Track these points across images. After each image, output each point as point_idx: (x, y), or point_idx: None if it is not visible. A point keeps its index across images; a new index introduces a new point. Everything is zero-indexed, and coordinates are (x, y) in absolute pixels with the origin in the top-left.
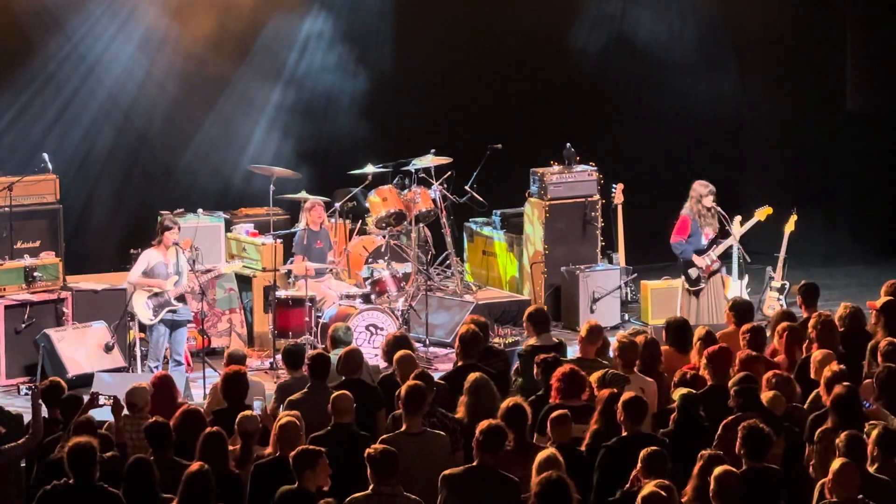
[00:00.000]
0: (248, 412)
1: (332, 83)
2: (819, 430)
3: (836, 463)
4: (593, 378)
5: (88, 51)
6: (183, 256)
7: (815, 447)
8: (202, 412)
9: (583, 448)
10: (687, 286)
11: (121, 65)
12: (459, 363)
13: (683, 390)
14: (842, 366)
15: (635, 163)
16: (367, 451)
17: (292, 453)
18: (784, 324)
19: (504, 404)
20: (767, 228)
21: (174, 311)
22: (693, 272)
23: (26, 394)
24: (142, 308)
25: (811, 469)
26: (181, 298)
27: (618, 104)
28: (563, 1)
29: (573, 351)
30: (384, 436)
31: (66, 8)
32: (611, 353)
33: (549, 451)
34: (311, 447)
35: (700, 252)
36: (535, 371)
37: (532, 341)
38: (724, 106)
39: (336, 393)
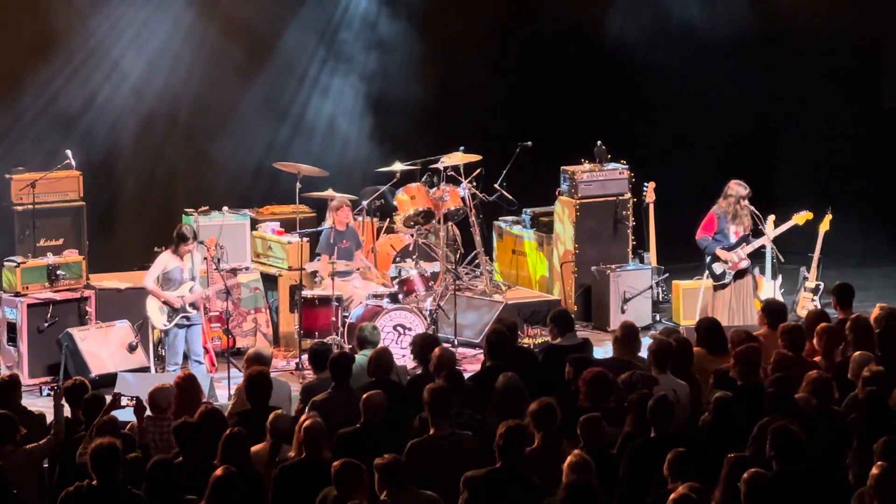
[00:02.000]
0: (280, 411)
1: (360, 79)
2: (856, 435)
3: (876, 468)
4: (620, 380)
5: (113, 46)
6: (199, 260)
7: (853, 453)
8: (222, 412)
9: (614, 451)
10: (711, 282)
11: (146, 60)
12: (487, 364)
13: (719, 392)
14: (880, 367)
15: (667, 161)
16: (376, 461)
17: (334, 465)
18: (822, 325)
19: (535, 404)
20: (802, 228)
21: (188, 318)
22: (717, 267)
23: (49, 394)
24: (156, 313)
25: (850, 474)
26: (195, 305)
27: (650, 102)
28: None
29: (602, 351)
30: (413, 440)
31: (91, 3)
32: (642, 354)
33: (579, 453)
34: (353, 461)
35: (728, 249)
36: (566, 371)
37: (556, 341)
38: (758, 104)
39: (369, 392)
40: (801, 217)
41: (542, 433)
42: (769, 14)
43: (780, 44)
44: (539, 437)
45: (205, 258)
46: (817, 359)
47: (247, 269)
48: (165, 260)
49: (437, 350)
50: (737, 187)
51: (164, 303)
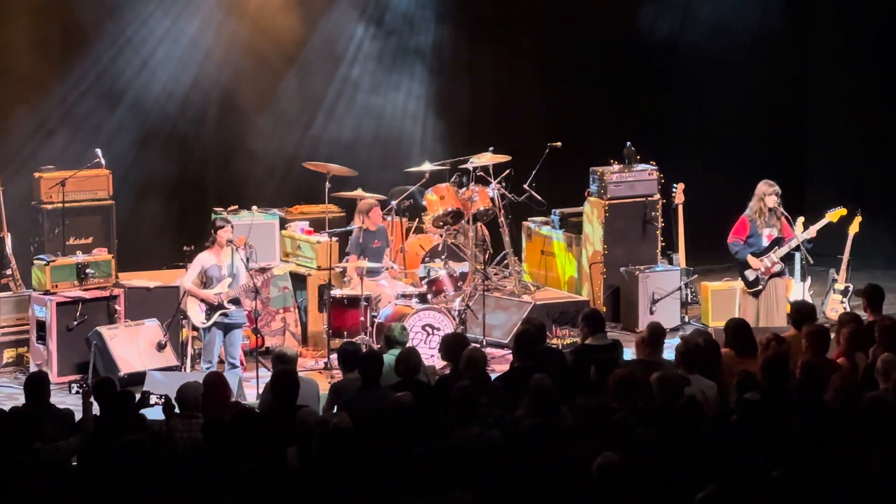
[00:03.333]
0: (309, 408)
1: (389, 80)
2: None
3: None
4: (652, 379)
5: (142, 44)
6: (238, 257)
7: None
8: (256, 412)
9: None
10: (744, 287)
11: (175, 58)
12: (515, 364)
13: (747, 394)
14: None
15: (696, 162)
16: (412, 457)
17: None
18: (848, 327)
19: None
20: (831, 230)
21: (226, 315)
22: (750, 274)
23: (78, 392)
24: (194, 311)
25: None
26: (236, 301)
27: (679, 102)
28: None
29: (631, 352)
30: (439, 437)
31: (120, 0)
32: (667, 355)
33: (608, 455)
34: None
35: (758, 254)
36: (591, 371)
37: (587, 341)
38: (787, 104)
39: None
40: (835, 214)
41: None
42: (801, 13)
43: (810, 44)
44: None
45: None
46: (842, 360)
47: (282, 261)
48: (203, 259)
49: (467, 350)
50: (763, 187)
51: (202, 300)
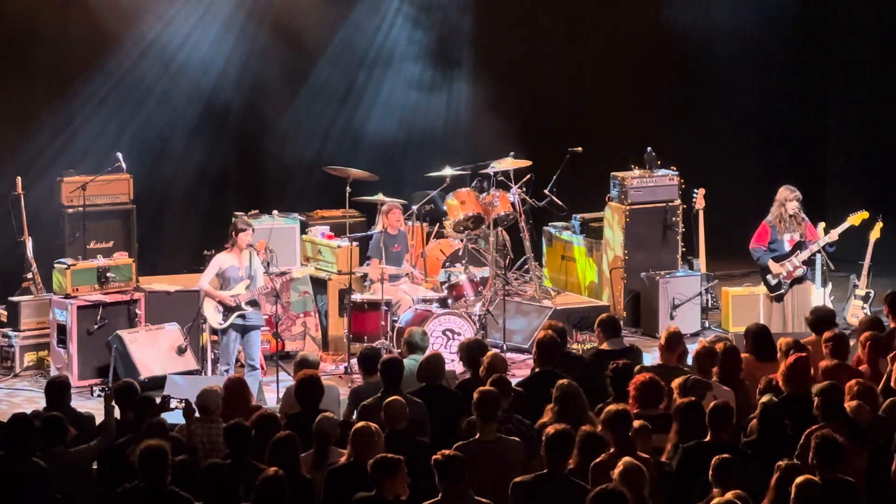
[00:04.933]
0: (327, 413)
1: (411, 85)
2: None
3: None
4: (674, 384)
5: (164, 48)
6: (257, 259)
7: None
8: (278, 416)
9: (664, 459)
10: (768, 292)
11: (196, 62)
12: (537, 369)
13: (766, 399)
14: None
15: (717, 167)
16: (434, 456)
17: (371, 460)
18: (867, 333)
19: (610, 408)
20: (852, 236)
21: (243, 317)
22: (771, 279)
23: (99, 395)
24: (212, 312)
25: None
26: (253, 303)
27: (700, 108)
28: (644, 6)
29: (651, 357)
30: (459, 443)
31: (141, 5)
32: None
33: (629, 460)
34: (391, 455)
35: (779, 259)
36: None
37: (603, 346)
38: (808, 109)
39: (388, 399)
40: (857, 217)
41: (616, 439)
42: (820, 16)
43: (829, 47)
44: (613, 443)
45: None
46: (863, 368)
47: (302, 265)
48: (221, 260)
49: (488, 355)
50: (785, 192)
51: (219, 302)
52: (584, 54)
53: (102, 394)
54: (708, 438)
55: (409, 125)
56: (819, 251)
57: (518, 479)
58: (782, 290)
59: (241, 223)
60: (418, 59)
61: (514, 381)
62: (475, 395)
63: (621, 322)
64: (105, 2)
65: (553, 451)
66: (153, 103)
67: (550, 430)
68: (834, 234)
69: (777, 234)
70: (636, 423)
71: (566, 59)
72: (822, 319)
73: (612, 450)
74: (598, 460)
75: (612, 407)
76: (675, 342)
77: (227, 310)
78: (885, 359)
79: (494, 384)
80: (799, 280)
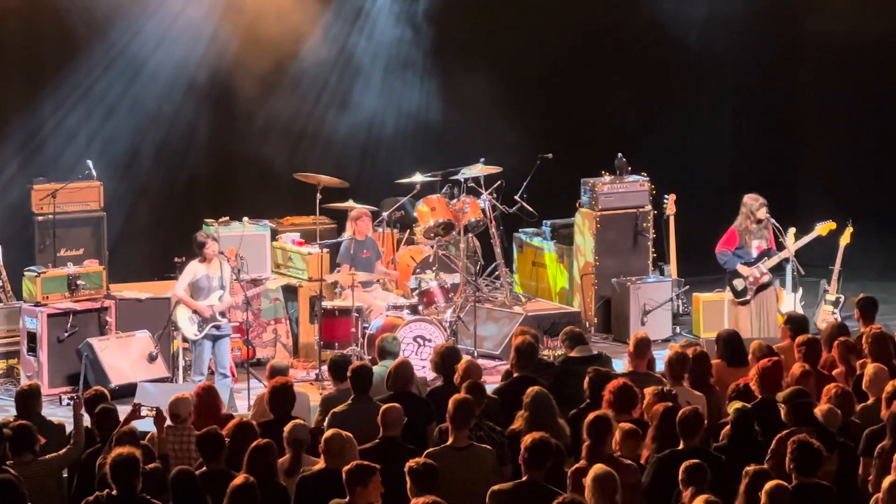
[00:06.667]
0: (298, 421)
1: (381, 91)
2: (879, 446)
3: (887, 481)
4: (648, 392)
5: (135, 56)
6: (228, 269)
7: (875, 462)
8: (255, 425)
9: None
10: (732, 297)
11: (166, 69)
12: (515, 374)
13: (738, 404)
14: None
15: (687, 173)
16: (408, 464)
17: (346, 468)
18: (840, 338)
19: (590, 416)
20: (823, 241)
21: (218, 327)
22: (738, 283)
23: (68, 404)
24: (185, 323)
25: (869, 485)
26: (224, 314)
27: (670, 114)
28: (616, 10)
29: (623, 364)
30: (430, 449)
31: (112, 13)
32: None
33: (601, 467)
34: (366, 463)
35: (748, 264)
36: (585, 382)
37: (572, 354)
38: (779, 116)
39: (385, 405)
40: (825, 227)
41: (592, 445)
42: (793, 25)
43: (802, 55)
44: (587, 449)
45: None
46: (836, 372)
47: (271, 278)
48: (194, 269)
49: (462, 361)
50: (750, 201)
51: (195, 312)
52: (555, 60)
53: (72, 402)
54: (681, 446)
55: (379, 131)
56: (787, 259)
57: (497, 486)
58: (748, 297)
59: (201, 237)
60: (388, 65)
61: (490, 388)
62: (450, 403)
63: (592, 328)
64: (75, 8)
65: (533, 459)
66: (123, 110)
67: (530, 438)
68: (800, 244)
69: (745, 241)
70: (625, 427)
71: (536, 64)
72: (794, 325)
73: (585, 455)
74: (575, 466)
75: (593, 413)
76: (643, 348)
77: (203, 320)
78: (855, 362)
79: (469, 390)
80: (764, 287)
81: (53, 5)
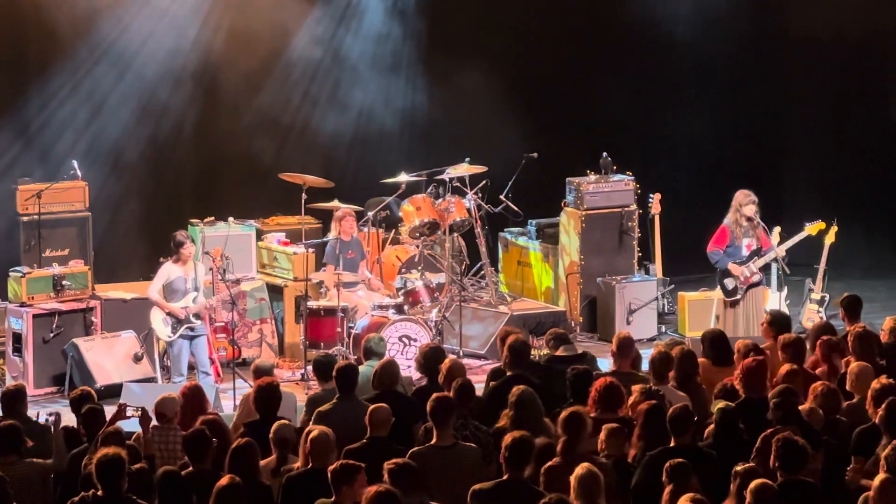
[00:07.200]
0: (284, 421)
1: (366, 90)
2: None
3: (878, 479)
4: (634, 390)
5: (120, 55)
6: (202, 271)
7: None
8: (222, 421)
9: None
10: (723, 296)
11: (152, 71)
12: (508, 373)
13: (721, 403)
14: (892, 379)
15: (673, 172)
16: (386, 464)
17: (331, 467)
18: (824, 337)
19: (565, 412)
20: (808, 240)
21: (192, 328)
22: (729, 283)
23: (46, 420)
24: (159, 325)
25: (862, 482)
26: (198, 315)
27: (656, 113)
28: (601, 9)
29: (608, 363)
30: (414, 448)
31: (98, 13)
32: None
33: (587, 466)
34: (351, 462)
35: (739, 263)
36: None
37: (558, 353)
38: (764, 115)
39: (373, 406)
40: (814, 227)
41: (567, 442)
42: (779, 26)
43: (787, 56)
44: (562, 445)
45: (210, 269)
46: (819, 370)
47: (252, 278)
48: (168, 270)
49: (446, 361)
50: (740, 197)
51: (169, 314)
52: (540, 59)
53: (48, 419)
54: (672, 444)
55: (365, 131)
56: (777, 259)
57: (478, 485)
58: (738, 296)
59: (180, 236)
60: (374, 65)
61: (490, 388)
62: (430, 402)
63: (577, 328)
64: (60, 8)
65: (513, 458)
66: (108, 111)
67: (510, 437)
68: (790, 243)
69: (735, 239)
70: (612, 426)
71: (521, 64)
72: (778, 324)
73: (561, 453)
74: (549, 464)
75: (567, 410)
76: (626, 347)
77: (177, 322)
78: (839, 361)
79: (459, 389)
80: (753, 286)
81: (36, 2)
